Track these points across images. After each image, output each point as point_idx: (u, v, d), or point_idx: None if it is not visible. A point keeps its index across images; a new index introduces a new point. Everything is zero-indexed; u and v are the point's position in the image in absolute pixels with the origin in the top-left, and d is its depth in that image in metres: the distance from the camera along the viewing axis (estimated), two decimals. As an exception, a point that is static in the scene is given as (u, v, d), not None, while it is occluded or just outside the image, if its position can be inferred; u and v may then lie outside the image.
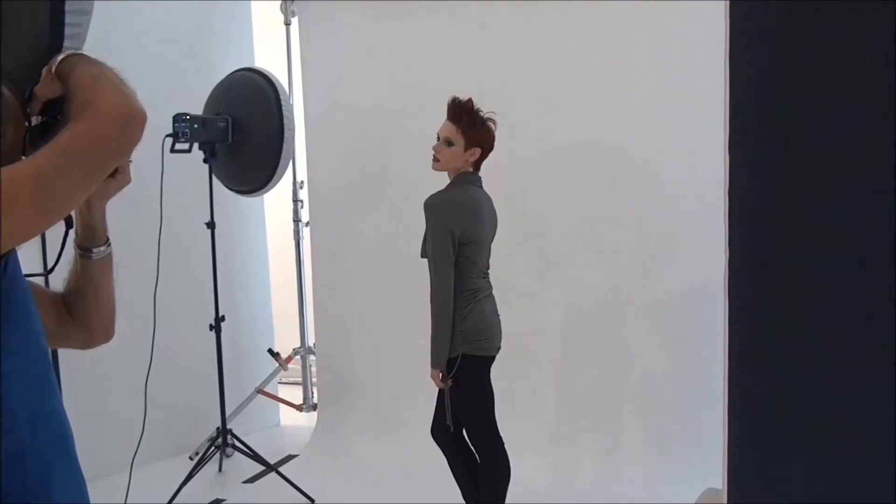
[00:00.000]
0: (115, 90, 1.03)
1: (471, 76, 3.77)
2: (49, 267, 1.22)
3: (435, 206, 2.67)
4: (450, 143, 2.73)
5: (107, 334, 1.30)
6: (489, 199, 2.84)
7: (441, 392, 2.82)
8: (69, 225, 1.20)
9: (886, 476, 0.87)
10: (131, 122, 1.03)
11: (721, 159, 0.94)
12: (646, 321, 3.65)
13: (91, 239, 1.24)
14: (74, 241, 1.24)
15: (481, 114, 2.75)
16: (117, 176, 1.18)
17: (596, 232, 3.70)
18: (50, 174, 0.95)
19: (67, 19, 1.05)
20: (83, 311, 1.26)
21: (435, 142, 2.78)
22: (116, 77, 1.06)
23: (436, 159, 2.76)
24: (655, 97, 3.53)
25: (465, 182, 2.76)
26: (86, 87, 1.03)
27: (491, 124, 2.77)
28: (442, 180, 2.83)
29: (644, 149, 3.59)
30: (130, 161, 1.19)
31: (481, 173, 2.83)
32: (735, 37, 0.91)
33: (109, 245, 1.26)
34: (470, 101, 2.75)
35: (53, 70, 1.06)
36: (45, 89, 1.07)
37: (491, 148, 2.78)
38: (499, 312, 2.85)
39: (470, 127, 2.72)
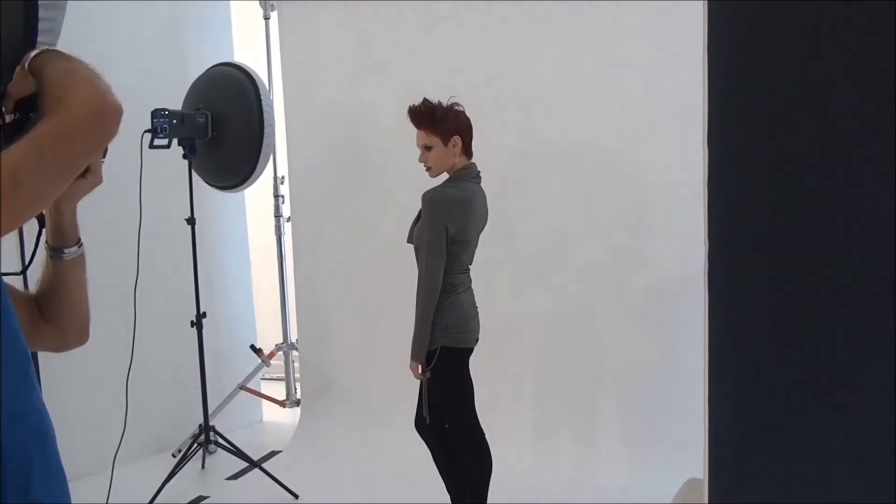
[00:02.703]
0: (88, 84, 1.02)
1: (450, 72, 3.77)
2: (23, 266, 1.20)
3: (433, 202, 2.68)
4: (429, 148, 2.75)
5: (80, 336, 1.28)
6: (484, 196, 2.85)
7: (423, 385, 2.84)
8: (42, 224, 1.19)
9: (868, 468, 0.88)
10: (105, 115, 1.01)
11: (700, 152, 0.94)
12: (626, 314, 3.67)
13: (61, 239, 1.22)
14: (45, 241, 1.22)
15: (442, 104, 2.76)
16: (88, 176, 1.16)
17: (576, 225, 3.72)
18: (24, 170, 0.94)
19: (41, 14, 1.03)
20: (56, 312, 1.24)
21: (419, 153, 2.79)
22: (91, 72, 1.04)
23: (427, 168, 2.78)
24: (634, 92, 3.55)
25: (463, 178, 2.77)
26: (59, 83, 1.01)
27: (457, 108, 2.77)
28: (423, 173, 2.83)
29: (623, 143, 3.61)
30: (102, 161, 1.17)
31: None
32: (713, 30, 0.92)
33: (81, 245, 1.24)
34: (424, 100, 2.76)
35: (27, 66, 1.04)
36: (18, 86, 1.05)
37: (469, 129, 2.79)
38: (477, 305, 2.87)
39: (436, 123, 2.73)
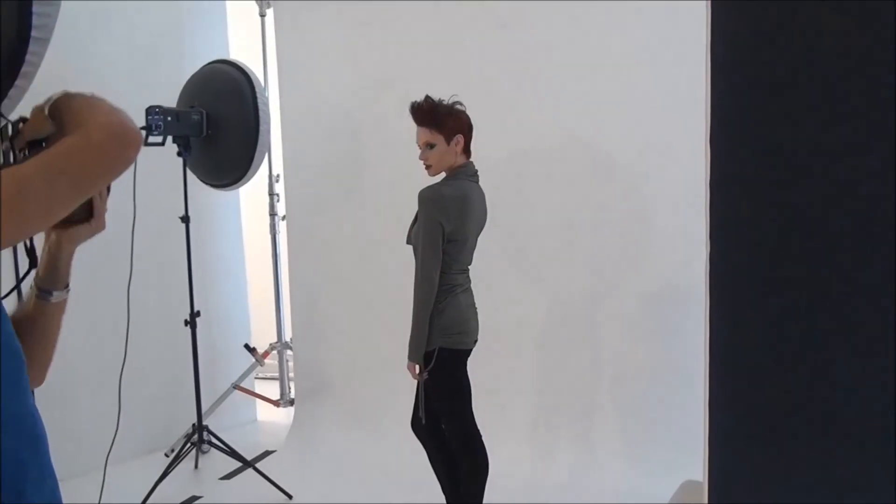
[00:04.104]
0: (109, 112, 1.03)
1: (448, 70, 3.76)
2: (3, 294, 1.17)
3: (429, 200, 2.65)
4: (431, 146, 2.72)
5: (38, 379, 1.23)
6: (482, 194, 2.82)
7: (420, 386, 2.82)
8: (34, 263, 1.17)
9: (867, 468, 0.88)
10: (125, 140, 1.01)
11: (701, 154, 0.94)
12: (626, 315, 3.67)
13: (53, 281, 1.20)
14: (35, 279, 1.20)
15: (444, 103, 2.74)
16: (92, 221, 1.17)
17: (575, 226, 3.71)
18: (32, 182, 0.93)
19: (35, 9, 1.02)
20: (23, 350, 1.21)
21: (419, 150, 2.76)
22: (111, 105, 1.05)
23: (428, 166, 2.75)
24: (635, 93, 3.54)
25: (460, 176, 2.74)
26: (80, 110, 1.02)
27: (459, 107, 2.76)
28: (420, 172, 2.82)
29: (623, 145, 3.60)
30: (107, 209, 1.18)
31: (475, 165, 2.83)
32: (716, 30, 0.91)
33: (68, 290, 1.22)
34: (427, 98, 2.74)
35: (46, 110, 1.05)
36: (36, 128, 1.06)
37: (470, 129, 2.77)
38: (476, 306, 2.85)
39: (440, 122, 2.70)
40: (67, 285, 1.22)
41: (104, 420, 3.13)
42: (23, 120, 1.10)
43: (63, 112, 1.03)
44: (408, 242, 2.79)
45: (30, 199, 0.92)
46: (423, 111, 2.72)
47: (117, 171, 1.04)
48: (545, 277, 3.80)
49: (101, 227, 1.19)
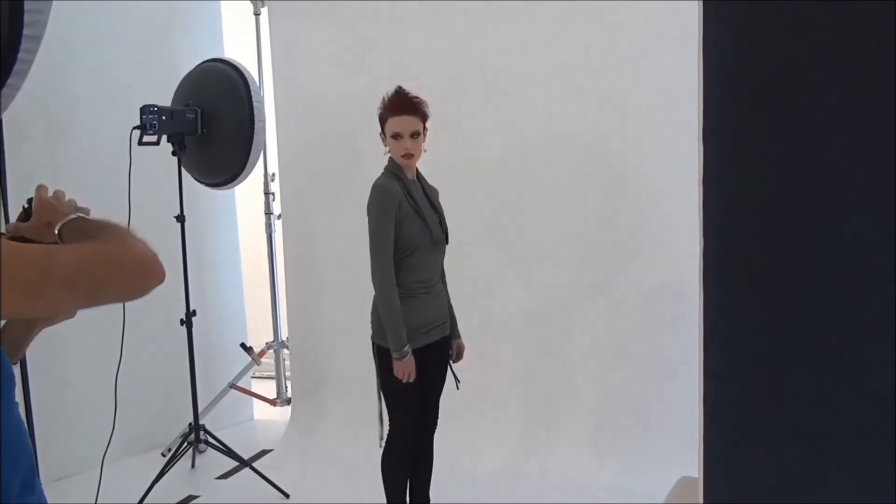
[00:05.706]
0: (138, 240, 1.04)
1: (441, 68, 3.75)
2: None
3: None
4: (417, 135, 2.70)
5: None
6: None
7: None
8: None
9: (864, 466, 0.88)
10: (152, 270, 1.03)
11: (694, 150, 0.94)
12: (621, 311, 3.67)
13: (8, 355, 1.18)
14: None
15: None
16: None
17: (570, 222, 3.71)
18: (61, 271, 0.93)
19: (27, 6, 1.01)
20: None
21: (394, 141, 2.72)
22: (107, 244, 1.03)
23: (410, 156, 2.71)
24: (627, 87, 3.54)
25: None
26: (108, 229, 1.05)
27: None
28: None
29: (616, 141, 3.60)
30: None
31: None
32: (709, 26, 0.91)
33: (15, 365, 1.21)
34: (402, 89, 2.73)
35: (56, 229, 1.07)
36: (40, 235, 1.08)
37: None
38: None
39: (424, 115, 2.72)
40: (17, 363, 1.21)
41: (100, 419, 3.13)
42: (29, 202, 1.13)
43: (82, 231, 1.05)
44: (434, 241, 2.76)
45: (49, 285, 0.91)
46: (412, 100, 2.70)
47: (128, 296, 1.02)
48: (539, 273, 3.80)
49: (73, 315, 1.20)
